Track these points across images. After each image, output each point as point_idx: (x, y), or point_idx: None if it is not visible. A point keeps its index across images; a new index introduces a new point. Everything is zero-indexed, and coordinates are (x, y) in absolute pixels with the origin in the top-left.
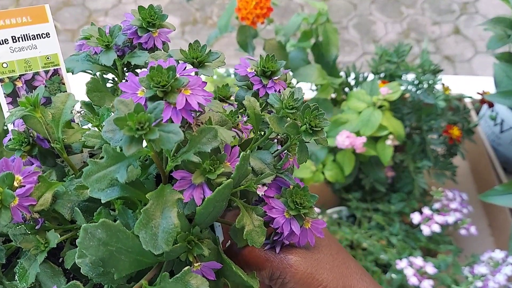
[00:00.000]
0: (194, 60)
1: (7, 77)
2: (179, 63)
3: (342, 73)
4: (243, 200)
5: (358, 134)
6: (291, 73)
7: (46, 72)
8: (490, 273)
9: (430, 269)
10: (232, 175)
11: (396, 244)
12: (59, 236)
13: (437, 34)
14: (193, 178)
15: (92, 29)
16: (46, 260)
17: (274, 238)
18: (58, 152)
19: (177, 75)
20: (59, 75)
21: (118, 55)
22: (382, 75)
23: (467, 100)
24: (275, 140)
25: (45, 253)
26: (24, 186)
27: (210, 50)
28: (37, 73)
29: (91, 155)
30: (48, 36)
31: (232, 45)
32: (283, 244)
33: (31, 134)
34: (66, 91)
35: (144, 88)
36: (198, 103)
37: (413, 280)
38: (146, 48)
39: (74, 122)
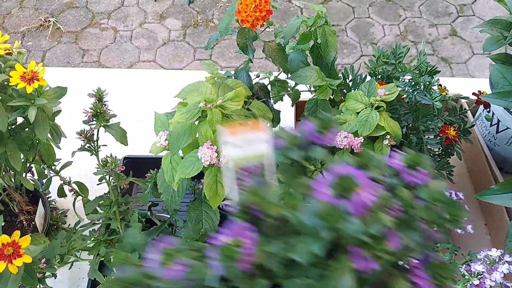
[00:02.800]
0: (363, 165)
1: None
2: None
3: (340, 75)
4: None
5: (356, 134)
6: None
7: None
8: (487, 271)
9: None
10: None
11: None
12: (266, 283)
13: (434, 36)
14: (363, 252)
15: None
16: None
17: None
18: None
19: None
20: None
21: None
22: (379, 76)
23: (463, 101)
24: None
25: None
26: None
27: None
28: None
29: None
30: None
31: (233, 47)
32: None
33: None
34: None
35: (331, 189)
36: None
37: None
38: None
39: None
